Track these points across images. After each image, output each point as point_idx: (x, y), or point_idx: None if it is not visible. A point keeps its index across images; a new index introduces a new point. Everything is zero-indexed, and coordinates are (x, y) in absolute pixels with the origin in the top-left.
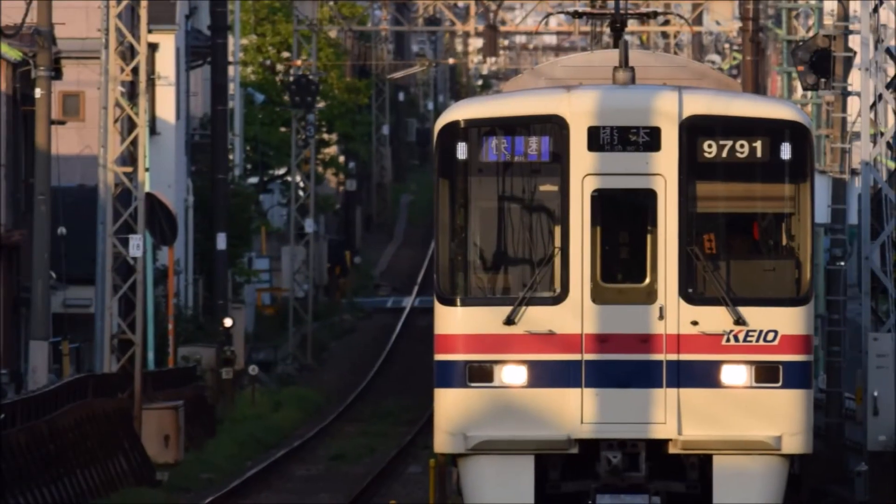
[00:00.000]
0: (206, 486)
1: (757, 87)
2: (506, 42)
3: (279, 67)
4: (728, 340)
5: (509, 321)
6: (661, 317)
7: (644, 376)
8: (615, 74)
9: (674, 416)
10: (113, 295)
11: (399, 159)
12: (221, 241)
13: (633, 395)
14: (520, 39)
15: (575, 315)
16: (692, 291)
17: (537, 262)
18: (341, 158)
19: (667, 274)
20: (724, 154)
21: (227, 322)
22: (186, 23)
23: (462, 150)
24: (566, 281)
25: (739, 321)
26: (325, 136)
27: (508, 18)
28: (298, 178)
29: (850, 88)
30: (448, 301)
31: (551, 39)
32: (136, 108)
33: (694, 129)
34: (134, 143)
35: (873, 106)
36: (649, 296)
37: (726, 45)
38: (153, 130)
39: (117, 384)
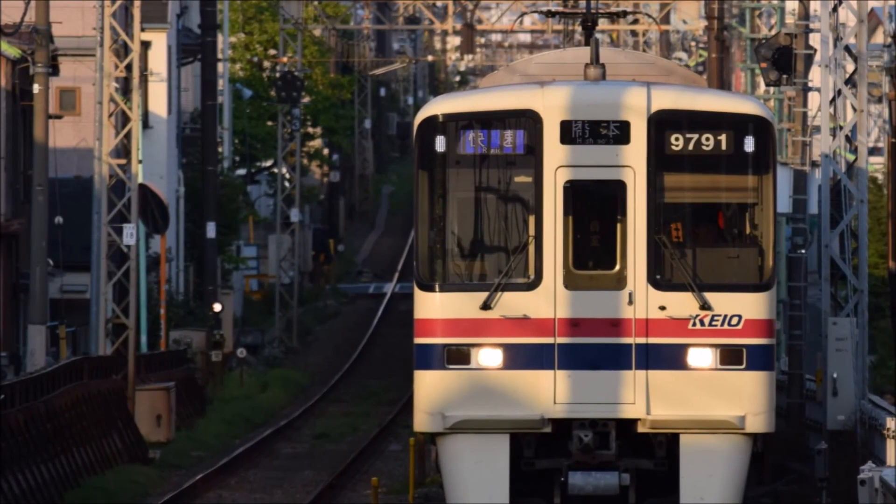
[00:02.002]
0: (196, 464)
1: (722, 83)
2: (482, 40)
3: (266, 64)
4: (694, 325)
5: (485, 306)
6: (631, 302)
7: (614, 359)
8: (586, 71)
9: (642, 397)
10: (107, 281)
11: (380, 152)
12: (211, 230)
13: (603, 376)
14: (496, 37)
15: (548, 300)
16: (660, 278)
17: (512, 250)
18: (325, 151)
19: (636, 261)
20: (691, 147)
21: (217, 307)
22: (178, 22)
23: (440, 143)
24: (540, 268)
25: (705, 306)
26: (310, 129)
27: (485, 17)
28: (284, 170)
29: (810, 84)
30: (427, 287)
31: (526, 37)
32: (129, 103)
33: (662, 123)
34: (127, 136)
35: (833, 101)
36: (619, 282)
37: (692, 43)
38: (146, 124)
39: (112, 366)
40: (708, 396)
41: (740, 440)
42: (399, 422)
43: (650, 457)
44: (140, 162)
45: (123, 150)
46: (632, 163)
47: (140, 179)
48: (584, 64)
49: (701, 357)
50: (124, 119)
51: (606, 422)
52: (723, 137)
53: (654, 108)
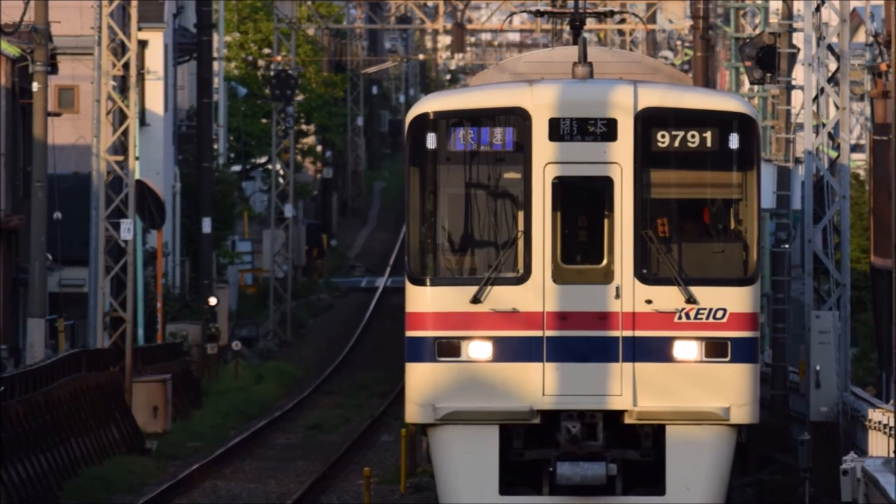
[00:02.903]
0: (192, 454)
1: (707, 81)
2: (472, 39)
3: (260, 63)
4: (680, 318)
5: (475, 300)
6: (618, 296)
7: (601, 351)
8: (574, 69)
9: (629, 389)
10: (105, 275)
11: (372, 149)
12: (207, 225)
13: (591, 369)
14: (485, 37)
15: (537, 294)
16: (646, 272)
17: (502, 245)
18: (318, 148)
19: (623, 256)
20: (677, 144)
21: (212, 301)
22: (174, 21)
23: (431, 140)
24: (529, 262)
25: (691, 300)
26: (304, 127)
27: (475, 17)
28: (278, 167)
29: (793, 82)
30: (418, 281)
31: (515, 37)
32: (126, 101)
33: (648, 121)
34: (125, 133)
35: (815, 99)
36: (606, 276)
37: (678, 42)
38: (143, 122)
39: (109, 359)
40: (693, 388)
41: (725, 431)
42: (391, 413)
43: (637, 447)
44: (137, 158)
45: (121, 147)
46: (619, 159)
47: (137, 176)
48: (572, 63)
49: (686, 350)
50: (122, 116)
51: (594, 413)
52: (708, 134)
53: (640, 106)
